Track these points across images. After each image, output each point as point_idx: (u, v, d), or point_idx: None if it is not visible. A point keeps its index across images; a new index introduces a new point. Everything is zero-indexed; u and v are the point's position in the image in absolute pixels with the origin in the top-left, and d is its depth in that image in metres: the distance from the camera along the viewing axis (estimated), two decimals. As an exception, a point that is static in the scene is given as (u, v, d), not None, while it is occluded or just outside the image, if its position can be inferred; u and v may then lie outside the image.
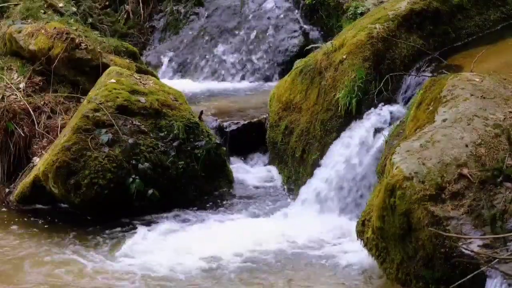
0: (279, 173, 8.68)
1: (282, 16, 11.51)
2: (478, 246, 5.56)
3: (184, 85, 10.54)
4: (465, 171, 5.88)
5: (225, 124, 9.04)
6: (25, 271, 6.80)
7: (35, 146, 8.64)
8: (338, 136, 7.90)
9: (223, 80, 11.20)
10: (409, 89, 7.78)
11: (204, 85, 11.09)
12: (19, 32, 9.50)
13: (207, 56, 11.47)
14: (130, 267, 6.82)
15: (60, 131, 8.53)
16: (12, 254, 7.15)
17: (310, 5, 11.23)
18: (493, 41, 8.31)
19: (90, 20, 11.48)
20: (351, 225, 6.99)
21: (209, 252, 7.00)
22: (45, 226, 7.77)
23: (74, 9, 11.30)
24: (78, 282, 6.59)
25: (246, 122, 9.11)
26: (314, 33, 11.21)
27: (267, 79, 11.05)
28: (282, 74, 10.23)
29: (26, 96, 8.97)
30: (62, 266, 6.86)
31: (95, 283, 6.57)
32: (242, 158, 9.03)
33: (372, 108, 7.78)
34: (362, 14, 9.79)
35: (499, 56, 7.81)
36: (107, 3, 12.04)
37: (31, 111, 8.79)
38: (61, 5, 11.08)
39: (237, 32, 11.55)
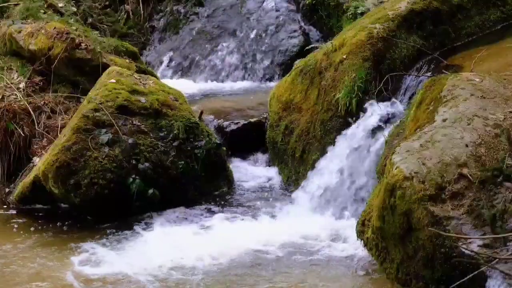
0: (279, 173, 8.68)
1: (282, 16, 11.50)
2: (478, 246, 5.56)
3: (184, 85, 10.52)
4: (465, 171, 5.88)
5: (225, 124, 9.03)
6: (24, 272, 6.80)
7: (35, 146, 8.64)
8: (338, 136, 7.90)
9: (223, 80, 11.19)
10: (409, 89, 7.78)
11: (204, 85, 11.09)
12: (19, 32, 9.49)
13: (207, 56, 11.47)
14: (129, 267, 6.83)
15: (60, 131, 8.52)
16: (11, 254, 7.15)
17: (310, 5, 11.22)
18: (493, 41, 8.30)
19: (90, 20, 11.47)
20: (351, 226, 6.99)
21: (209, 253, 7.00)
22: (45, 226, 7.76)
23: (74, 9, 11.29)
24: (76, 282, 6.60)
25: (246, 122, 9.11)
26: (314, 33, 11.20)
27: (267, 79, 11.04)
28: (282, 74, 10.22)
29: (26, 96, 8.96)
30: (61, 266, 6.86)
31: (94, 283, 6.57)
32: (242, 158, 9.02)
33: (372, 108, 7.78)
34: (362, 14, 9.77)
35: (499, 56, 7.80)
36: (107, 3, 12.03)
37: (31, 111, 8.78)
38: (61, 5, 11.07)
39: (237, 32, 11.54)
